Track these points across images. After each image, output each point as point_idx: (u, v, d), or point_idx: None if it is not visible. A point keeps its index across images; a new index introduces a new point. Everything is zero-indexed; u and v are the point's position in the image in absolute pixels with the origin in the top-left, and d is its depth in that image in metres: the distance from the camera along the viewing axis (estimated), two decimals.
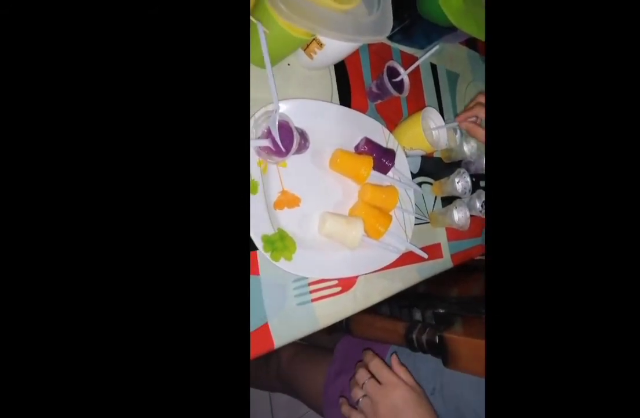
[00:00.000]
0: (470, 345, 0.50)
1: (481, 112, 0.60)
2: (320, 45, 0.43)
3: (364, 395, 0.47)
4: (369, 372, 0.49)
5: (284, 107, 0.42)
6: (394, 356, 0.50)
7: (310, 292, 0.43)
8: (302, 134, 0.41)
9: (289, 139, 0.38)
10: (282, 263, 0.39)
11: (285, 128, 0.38)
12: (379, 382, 0.47)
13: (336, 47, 0.43)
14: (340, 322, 0.50)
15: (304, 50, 0.45)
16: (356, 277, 0.48)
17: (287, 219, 0.42)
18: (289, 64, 0.47)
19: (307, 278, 0.43)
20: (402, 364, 0.49)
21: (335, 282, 0.46)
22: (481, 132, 0.60)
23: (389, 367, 0.49)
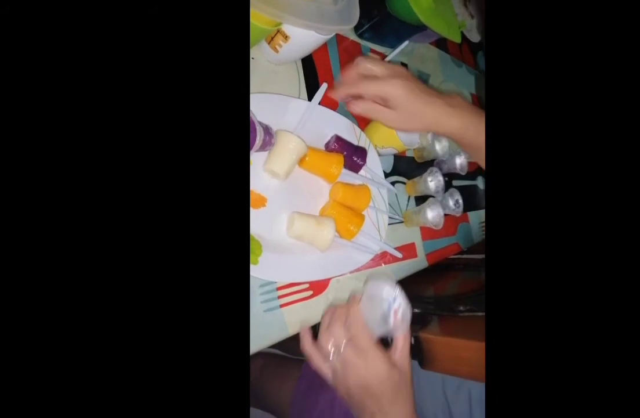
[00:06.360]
0: (446, 345, 0.49)
1: (368, 88, 0.36)
2: (286, 37, 0.41)
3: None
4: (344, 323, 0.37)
5: None
6: None
7: (279, 297, 0.41)
8: (267, 130, 0.39)
9: (252, 134, 0.36)
10: None
11: None
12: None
13: (302, 40, 0.42)
14: (313, 328, 0.47)
15: (269, 43, 0.43)
16: (328, 280, 0.46)
17: (252, 220, 0.40)
18: (252, 58, 0.45)
19: (275, 282, 0.41)
20: None
21: (306, 286, 0.44)
22: (382, 113, 0.36)
23: None
